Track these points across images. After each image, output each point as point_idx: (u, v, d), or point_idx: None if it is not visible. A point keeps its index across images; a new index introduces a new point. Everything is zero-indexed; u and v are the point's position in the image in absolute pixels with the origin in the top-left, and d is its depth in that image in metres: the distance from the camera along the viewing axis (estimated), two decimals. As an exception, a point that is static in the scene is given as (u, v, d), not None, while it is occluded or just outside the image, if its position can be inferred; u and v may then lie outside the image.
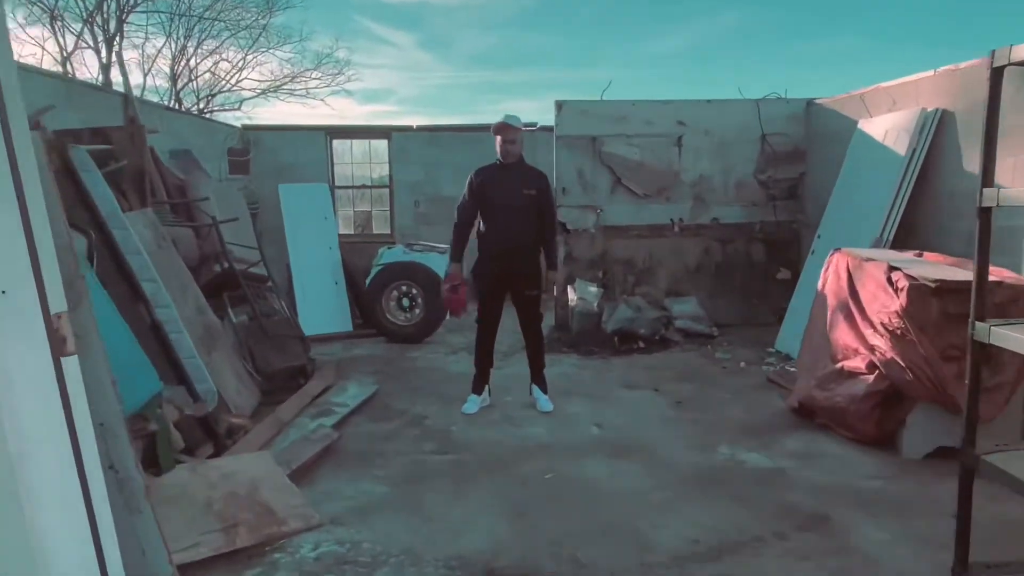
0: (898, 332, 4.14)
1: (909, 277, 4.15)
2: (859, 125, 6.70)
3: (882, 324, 4.27)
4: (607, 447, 4.48)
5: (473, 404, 5.16)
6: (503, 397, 5.50)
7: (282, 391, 5.32)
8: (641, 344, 7.03)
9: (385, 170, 10.57)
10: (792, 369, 6.02)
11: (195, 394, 4.04)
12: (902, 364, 4.11)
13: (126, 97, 6.30)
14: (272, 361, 5.35)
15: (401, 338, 7.43)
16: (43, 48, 19.67)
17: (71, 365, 1.91)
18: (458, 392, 5.51)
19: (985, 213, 2.59)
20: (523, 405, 5.29)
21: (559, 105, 7.84)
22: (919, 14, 28.83)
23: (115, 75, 18.47)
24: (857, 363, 4.43)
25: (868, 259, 4.71)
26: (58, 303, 1.88)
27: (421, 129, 10.61)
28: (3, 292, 1.81)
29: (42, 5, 18.32)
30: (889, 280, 4.29)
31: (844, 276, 4.84)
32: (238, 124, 10.68)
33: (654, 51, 31.45)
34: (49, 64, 17.24)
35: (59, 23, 18.79)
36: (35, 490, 1.89)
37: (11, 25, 23.43)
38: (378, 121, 22.99)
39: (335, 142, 10.46)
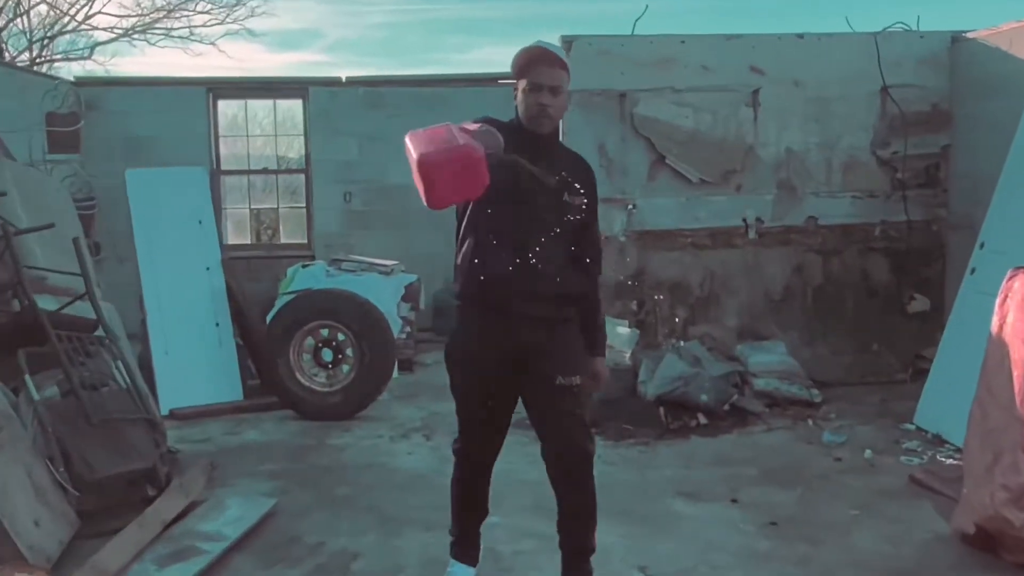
0: None
1: None
2: None
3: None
4: None
5: None
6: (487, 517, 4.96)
7: (115, 511, 4.87)
8: (702, 419, 6.74)
9: (300, 147, 10.37)
10: (950, 461, 5.72)
11: None
12: None
13: None
14: (99, 464, 4.87)
15: (320, 412, 7.14)
16: None
17: None
18: (409, 507, 5.05)
19: None
20: (519, 533, 4.80)
21: (568, 43, 7.57)
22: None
23: None
24: None
25: None
26: None
27: (355, 83, 10.46)
28: None
29: None
30: None
31: None
32: (65, 80, 10.43)
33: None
34: None
35: None
36: None
37: None
38: (292, 73, 22.68)
39: (221, 103, 10.31)
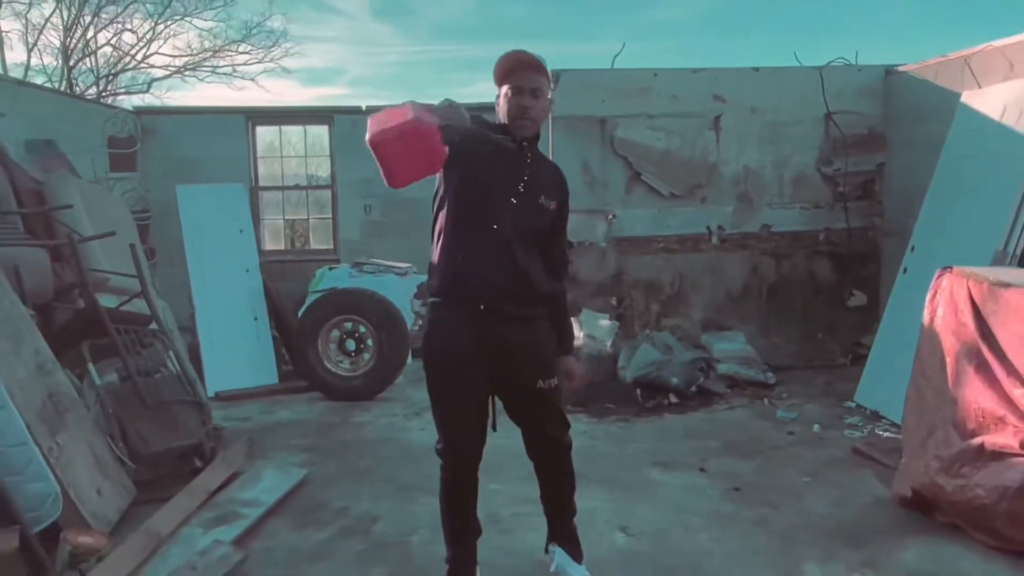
0: (1067, 394, 3.53)
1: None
2: (963, 99, 6.37)
3: (1041, 382, 3.67)
4: (641, 568, 3.86)
5: None
6: (487, 484, 4.80)
7: (167, 481, 4.81)
8: (673, 399, 6.68)
9: (327, 166, 10.25)
10: (887, 434, 5.65)
11: (13, 510, 3.38)
12: (1076, 443, 3.49)
13: (-47, 66, 5.65)
14: (153, 440, 4.83)
15: (344, 394, 7.09)
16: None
17: None
18: (422, 476, 4.90)
19: None
20: (516, 499, 4.67)
21: (556, 76, 7.34)
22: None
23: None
24: (1005, 438, 3.85)
25: (1002, 283, 4.19)
26: None
27: (373, 112, 10.09)
28: None
29: None
30: (1049, 317, 3.69)
31: (967, 308, 4.32)
32: (127, 108, 10.37)
33: (661, 19, 31.43)
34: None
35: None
36: None
37: None
38: (322, 104, 22.60)
39: (259, 129, 10.18)
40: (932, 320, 4.59)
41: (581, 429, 6.00)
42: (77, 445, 4.28)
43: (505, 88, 3.32)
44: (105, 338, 5.06)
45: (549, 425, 3.47)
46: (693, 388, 6.71)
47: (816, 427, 5.90)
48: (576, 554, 3.64)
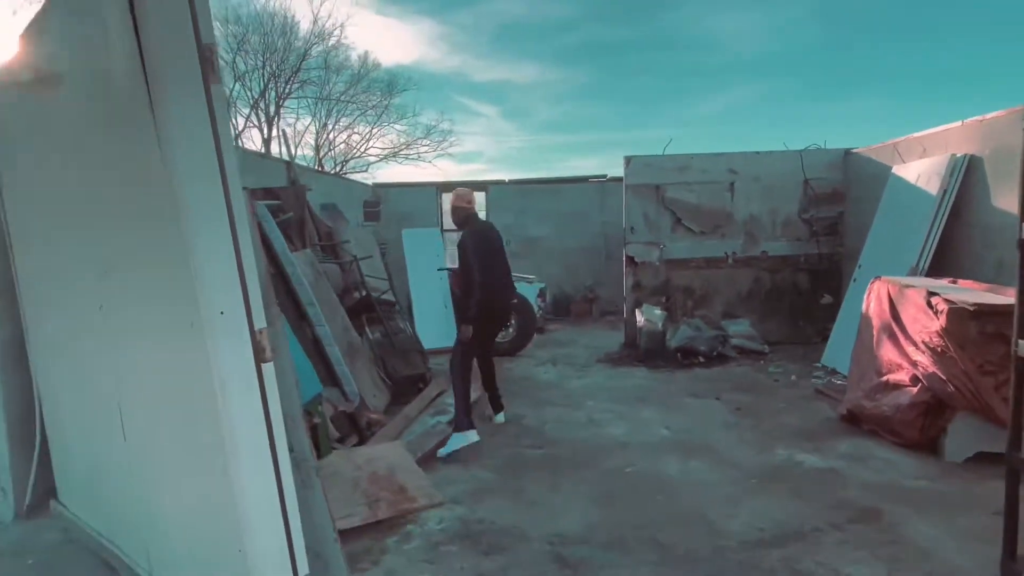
0: (939, 349, 3.91)
1: (948, 301, 3.91)
2: (893, 170, 6.38)
3: (923, 342, 4.04)
4: (677, 447, 4.36)
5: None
6: (586, 402, 5.46)
7: (407, 394, 5.41)
8: (701, 359, 6.83)
9: (483, 216, 10.67)
10: (839, 382, 5.78)
11: (345, 395, 4.18)
12: (943, 377, 3.87)
13: (288, 164, 6.68)
14: (399, 369, 5.46)
15: (498, 353, 7.18)
16: (220, 128, 21.18)
17: (268, 370, 2.05)
18: (547, 397, 5.48)
19: (1025, 245, 2.42)
20: (603, 410, 5.21)
21: (628, 160, 7.82)
22: (916, 79, 27.66)
23: (273, 147, 19.72)
24: (901, 376, 4.18)
25: (907, 286, 4.48)
26: (260, 321, 2.03)
27: (512, 183, 10.80)
28: (222, 313, 1.97)
29: (221, 94, 19.81)
30: (929, 304, 4.05)
31: (886, 301, 4.62)
32: (368, 184, 11.13)
33: (696, 114, 31.20)
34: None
35: (233, 107, 20.26)
36: (240, 470, 2.02)
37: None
38: (471, 177, 23.53)
39: (444, 195, 10.71)
40: (867, 309, 4.87)
41: (643, 375, 6.42)
42: (363, 369, 5.03)
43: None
44: (372, 313, 5.70)
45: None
46: (714, 353, 6.82)
47: (793, 377, 6.07)
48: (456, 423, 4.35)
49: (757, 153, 7.74)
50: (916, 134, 6.17)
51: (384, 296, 6.13)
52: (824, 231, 7.70)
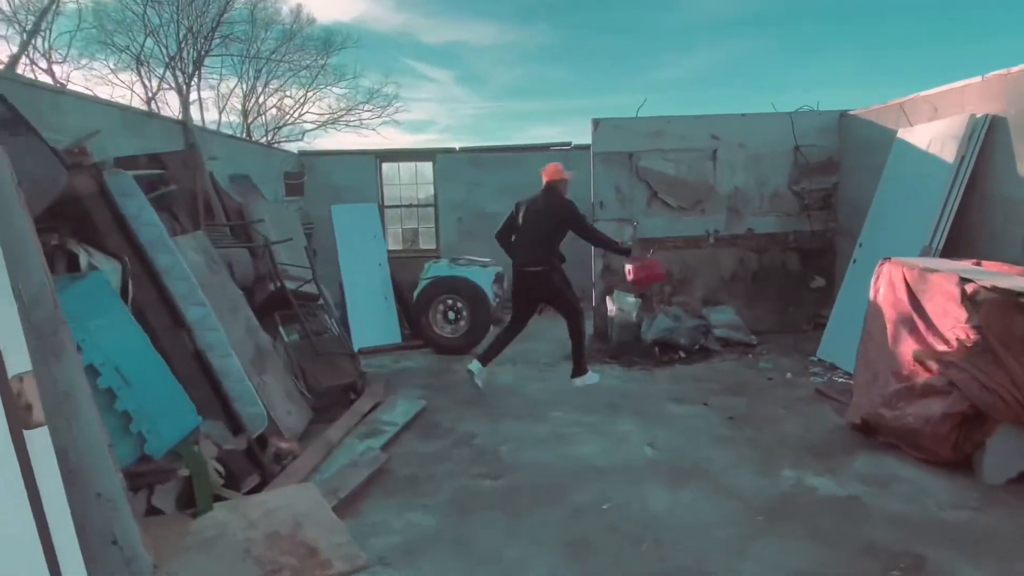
0: (977, 349, 3.43)
1: (988, 289, 3.43)
2: (899, 134, 5.98)
3: (957, 340, 3.57)
4: (663, 471, 3.83)
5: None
6: (550, 411, 4.89)
7: (333, 407, 4.84)
8: (682, 354, 6.38)
9: (430, 190, 10.22)
10: (840, 380, 5.42)
11: (240, 423, 3.49)
12: (984, 384, 3.40)
13: (184, 125, 5.83)
14: (323, 379, 4.83)
15: (448, 349, 6.93)
16: (131, 90, 19.86)
17: (38, 439, 1.33)
18: (505, 406, 4.94)
19: None
20: (571, 423, 4.66)
21: (596, 123, 7.27)
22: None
23: (195, 112, 18.55)
24: (930, 380, 3.70)
25: (930, 269, 4.03)
26: (19, 362, 1.31)
27: (463, 151, 10.18)
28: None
29: (130, 52, 18.47)
30: (964, 293, 3.57)
31: (902, 288, 4.18)
32: (293, 152, 10.37)
33: (662, 78, 30.87)
34: (138, 105, 17.27)
35: (145, 68, 18.90)
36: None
37: (103, 71, 23.69)
38: (421, 147, 22.67)
39: (384, 165, 10.12)
40: (876, 296, 4.47)
41: (616, 375, 5.93)
42: (275, 382, 4.37)
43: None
44: (289, 310, 5.08)
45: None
46: (696, 347, 6.44)
47: (788, 374, 5.69)
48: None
49: (743, 116, 7.29)
50: (925, 92, 5.76)
51: (306, 288, 5.38)
52: (816, 205, 7.34)
